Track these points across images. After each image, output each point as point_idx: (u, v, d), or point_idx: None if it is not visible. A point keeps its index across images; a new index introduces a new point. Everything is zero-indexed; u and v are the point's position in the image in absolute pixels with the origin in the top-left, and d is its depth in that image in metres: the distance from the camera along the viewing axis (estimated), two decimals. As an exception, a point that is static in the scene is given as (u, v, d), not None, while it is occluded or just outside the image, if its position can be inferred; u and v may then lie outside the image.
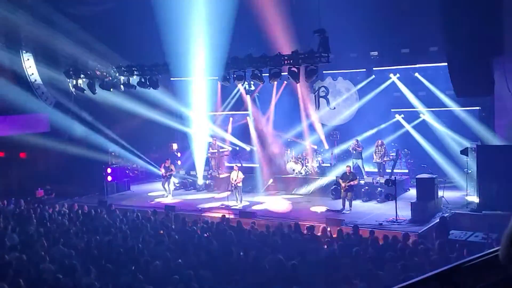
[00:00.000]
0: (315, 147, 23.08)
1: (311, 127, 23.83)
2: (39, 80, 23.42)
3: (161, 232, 14.91)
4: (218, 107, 26.32)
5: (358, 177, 19.18)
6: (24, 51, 22.87)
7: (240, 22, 20.03)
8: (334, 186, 20.03)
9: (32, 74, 23.21)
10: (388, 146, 21.53)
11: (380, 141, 21.09)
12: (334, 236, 14.32)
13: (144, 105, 23.66)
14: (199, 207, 20.01)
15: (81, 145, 23.51)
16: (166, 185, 22.11)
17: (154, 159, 25.53)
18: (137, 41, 21.54)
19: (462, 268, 1.35)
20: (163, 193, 22.33)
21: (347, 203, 18.32)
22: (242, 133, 25.58)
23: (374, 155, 21.10)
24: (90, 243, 13.91)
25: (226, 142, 25.66)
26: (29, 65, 23.01)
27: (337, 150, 22.67)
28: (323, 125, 23.99)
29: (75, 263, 11.91)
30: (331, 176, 20.93)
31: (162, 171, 22.30)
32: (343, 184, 18.41)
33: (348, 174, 18.55)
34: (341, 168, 19.94)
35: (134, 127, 24.61)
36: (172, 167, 22.35)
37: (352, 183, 18.35)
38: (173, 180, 22.89)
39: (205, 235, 14.85)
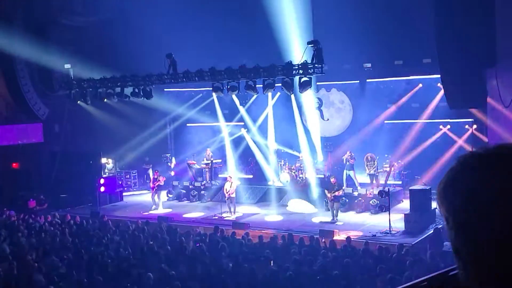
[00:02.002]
0: (310, 158, 23.07)
1: (305, 138, 23.83)
2: (32, 90, 23.30)
3: (151, 242, 14.83)
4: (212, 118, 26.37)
5: (343, 187, 19.26)
6: (17, 61, 22.72)
7: (234, 33, 20.16)
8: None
9: (26, 83, 23.10)
10: (382, 157, 21.54)
11: (369, 156, 21.03)
12: (327, 247, 14.28)
13: (138, 115, 23.74)
14: (192, 218, 19.92)
15: (74, 155, 23.50)
16: (155, 197, 21.97)
17: (146, 170, 25.56)
18: (131, 51, 21.51)
19: (449, 276, 1.33)
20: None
21: (334, 213, 18.31)
22: (237, 144, 25.56)
23: (366, 168, 21.07)
24: (82, 254, 13.81)
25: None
26: (23, 75, 22.91)
27: (331, 161, 22.69)
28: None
29: (67, 275, 11.83)
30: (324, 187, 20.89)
31: (150, 184, 22.30)
32: (328, 195, 18.44)
33: (333, 184, 18.57)
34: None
35: (127, 137, 24.68)
36: (160, 178, 22.24)
37: (337, 193, 18.38)
38: (163, 193, 22.67)
39: (197, 244, 14.81)
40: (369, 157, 21.01)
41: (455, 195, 1.12)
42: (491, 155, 1.12)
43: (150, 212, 21.22)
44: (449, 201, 1.13)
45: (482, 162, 1.12)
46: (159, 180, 22.02)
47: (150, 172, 24.65)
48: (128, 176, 26.06)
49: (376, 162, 20.90)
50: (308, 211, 20.12)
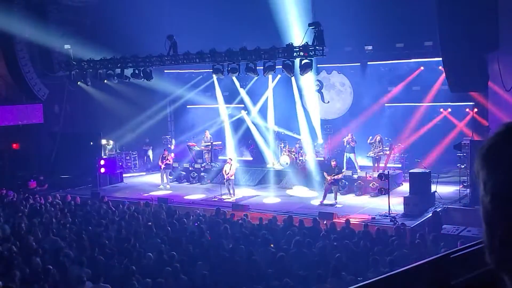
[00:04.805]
0: (309, 140, 23.07)
1: (305, 121, 23.79)
2: (32, 71, 23.19)
3: (150, 223, 14.87)
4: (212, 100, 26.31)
5: (343, 171, 19.25)
6: (17, 41, 22.55)
7: (235, 15, 20.06)
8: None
9: (26, 64, 22.98)
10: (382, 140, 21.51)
11: (379, 137, 20.97)
12: (327, 229, 14.33)
13: (138, 97, 23.72)
14: (192, 200, 19.96)
15: (74, 136, 23.48)
16: (164, 177, 22.11)
17: (146, 151, 25.58)
18: (132, 32, 21.39)
19: (452, 258, 1.33)
20: (158, 182, 22.36)
21: (331, 195, 18.34)
22: (236, 126, 25.53)
23: (372, 149, 20.97)
24: (82, 235, 13.87)
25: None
26: (23, 56, 22.77)
27: (331, 144, 22.68)
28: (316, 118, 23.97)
29: (67, 255, 11.88)
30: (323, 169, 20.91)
31: (160, 163, 22.38)
32: (328, 178, 18.46)
33: (333, 167, 18.58)
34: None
35: (128, 118, 24.68)
36: (169, 156, 22.37)
37: (336, 176, 18.40)
38: (166, 173, 22.77)
39: (195, 224, 14.88)
40: (378, 137, 20.84)
41: (498, 164, 1.10)
42: None
43: (154, 192, 21.27)
44: (492, 168, 1.12)
45: None
46: (167, 159, 22.11)
47: (150, 153, 24.73)
48: (128, 157, 26.09)
49: (381, 144, 20.81)
50: (308, 195, 20.15)
